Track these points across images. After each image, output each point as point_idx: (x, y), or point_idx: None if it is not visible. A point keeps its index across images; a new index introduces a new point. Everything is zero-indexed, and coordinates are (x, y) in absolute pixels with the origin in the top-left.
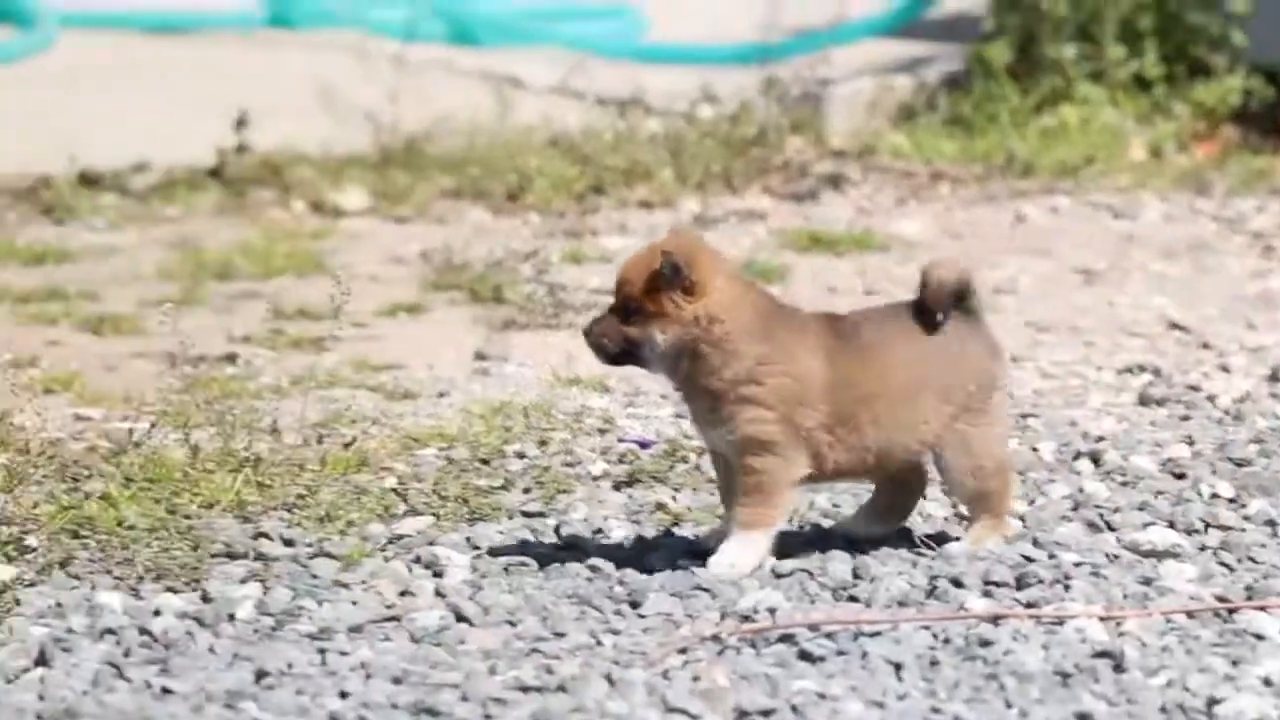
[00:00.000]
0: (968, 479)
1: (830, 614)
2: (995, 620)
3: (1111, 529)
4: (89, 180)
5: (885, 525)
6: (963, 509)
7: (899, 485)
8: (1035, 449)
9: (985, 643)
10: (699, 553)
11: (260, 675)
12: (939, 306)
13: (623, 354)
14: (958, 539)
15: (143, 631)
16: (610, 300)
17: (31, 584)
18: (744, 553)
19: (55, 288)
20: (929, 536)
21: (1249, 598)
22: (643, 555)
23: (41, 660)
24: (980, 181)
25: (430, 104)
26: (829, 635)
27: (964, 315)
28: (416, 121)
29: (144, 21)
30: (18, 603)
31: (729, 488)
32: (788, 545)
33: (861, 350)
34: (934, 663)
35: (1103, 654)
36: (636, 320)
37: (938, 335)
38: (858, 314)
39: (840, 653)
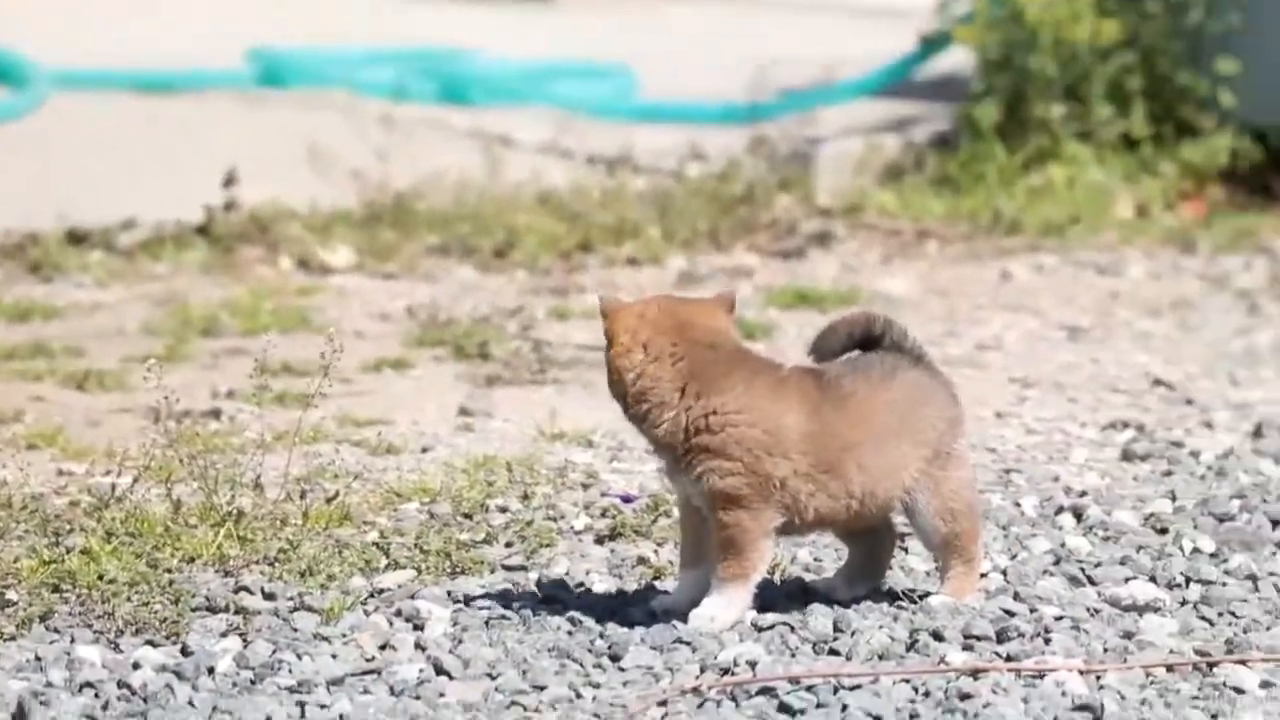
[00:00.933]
0: (939, 522)
1: (810, 667)
2: (975, 674)
3: (1093, 583)
4: (76, 238)
5: (866, 584)
6: (935, 558)
7: (871, 541)
8: (1018, 504)
9: (965, 696)
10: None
11: None
12: (825, 347)
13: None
14: (938, 592)
15: (122, 685)
16: (597, 361)
17: (11, 638)
18: (724, 607)
19: (41, 344)
20: (909, 590)
21: (1229, 652)
22: (624, 609)
23: (20, 714)
24: (966, 240)
25: (419, 162)
26: (809, 688)
27: (920, 363)
28: (405, 179)
29: (134, 80)
30: None
31: (692, 540)
32: (769, 599)
33: (844, 400)
34: (914, 716)
35: (1083, 707)
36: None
37: (905, 383)
38: (835, 366)
39: (820, 705)
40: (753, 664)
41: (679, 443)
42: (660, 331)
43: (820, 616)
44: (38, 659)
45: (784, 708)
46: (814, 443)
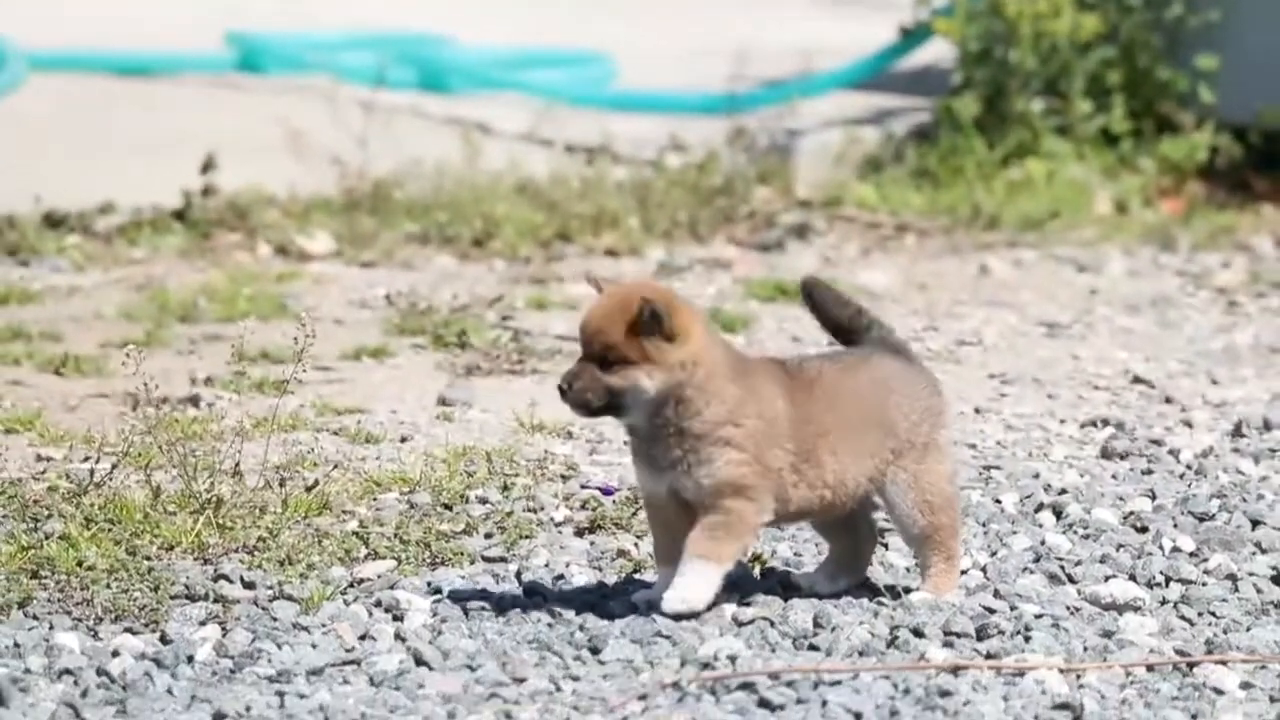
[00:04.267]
0: (916, 514)
1: (790, 663)
2: (955, 671)
3: (1073, 581)
4: (54, 221)
5: (847, 579)
6: (915, 554)
7: (851, 536)
8: (998, 500)
9: (945, 693)
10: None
11: (218, 717)
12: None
13: (605, 406)
14: (919, 589)
15: (100, 672)
16: (578, 352)
17: None
18: (697, 587)
19: (18, 328)
20: (890, 586)
21: (1209, 652)
22: (604, 602)
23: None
24: (946, 233)
25: (398, 149)
26: (789, 684)
27: (899, 354)
28: (384, 166)
29: (113, 64)
30: None
31: (668, 537)
32: (750, 593)
33: (811, 386)
34: (894, 713)
35: (1062, 706)
36: (619, 370)
37: (876, 374)
38: (797, 358)
39: (800, 701)
40: (733, 658)
41: (710, 431)
42: (704, 321)
43: (800, 612)
44: (16, 645)
45: (764, 703)
46: (796, 430)
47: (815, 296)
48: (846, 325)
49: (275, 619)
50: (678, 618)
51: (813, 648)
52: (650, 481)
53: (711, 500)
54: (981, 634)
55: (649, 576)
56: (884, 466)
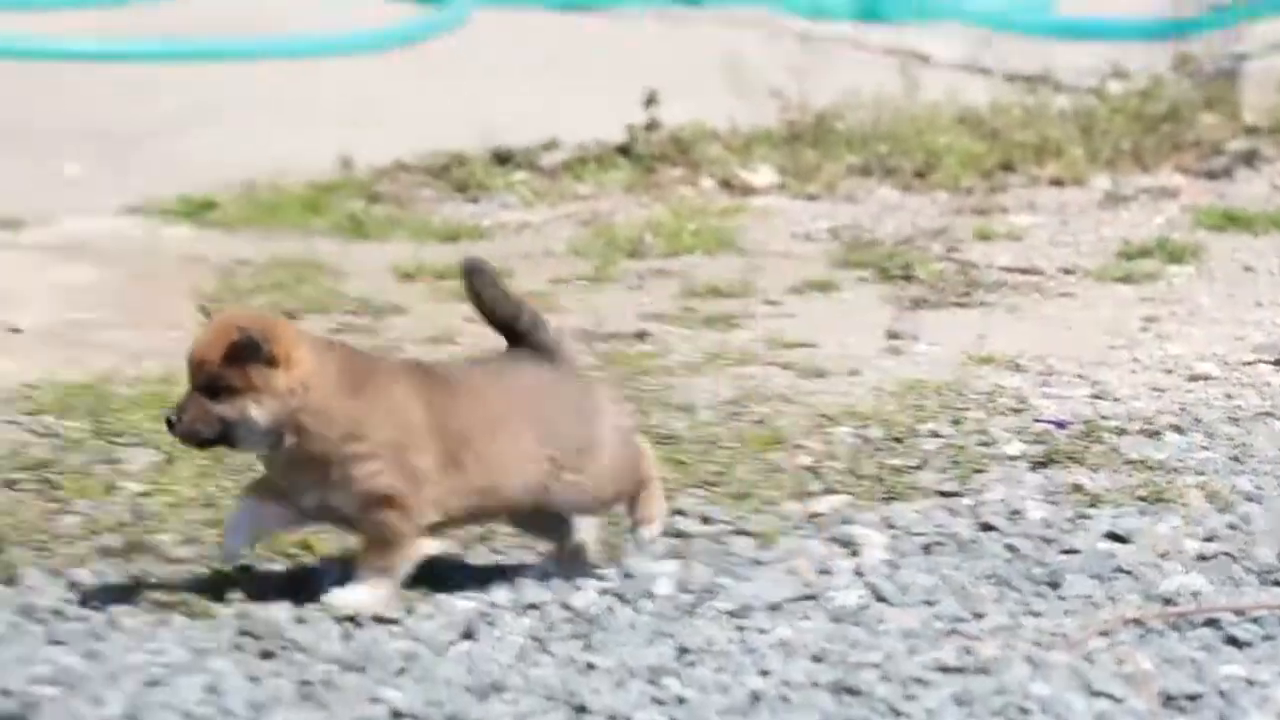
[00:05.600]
0: (585, 510)
1: (1256, 598)
2: None
3: None
4: (501, 158)
5: (574, 569)
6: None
7: (553, 531)
8: None
9: None
10: (1118, 535)
11: (681, 651)
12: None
13: (218, 436)
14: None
15: (564, 606)
16: (1023, 284)
17: (458, 557)
18: (368, 594)
19: None
20: None
21: None
22: (1062, 537)
23: (468, 634)
24: None
25: (836, 81)
26: (1255, 620)
27: (554, 357)
28: (823, 98)
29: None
30: (444, 578)
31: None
32: (1211, 529)
33: (455, 390)
34: None
35: None
36: (227, 399)
37: (539, 384)
38: (446, 363)
39: (1267, 638)
40: (1196, 594)
41: (333, 450)
42: (312, 341)
43: (1264, 546)
44: (483, 580)
45: (1230, 639)
46: (436, 435)
47: (474, 284)
48: (506, 323)
49: (733, 554)
50: (340, 620)
51: (1278, 583)
52: (296, 497)
53: (362, 514)
54: None
55: (1106, 512)
56: (544, 479)
